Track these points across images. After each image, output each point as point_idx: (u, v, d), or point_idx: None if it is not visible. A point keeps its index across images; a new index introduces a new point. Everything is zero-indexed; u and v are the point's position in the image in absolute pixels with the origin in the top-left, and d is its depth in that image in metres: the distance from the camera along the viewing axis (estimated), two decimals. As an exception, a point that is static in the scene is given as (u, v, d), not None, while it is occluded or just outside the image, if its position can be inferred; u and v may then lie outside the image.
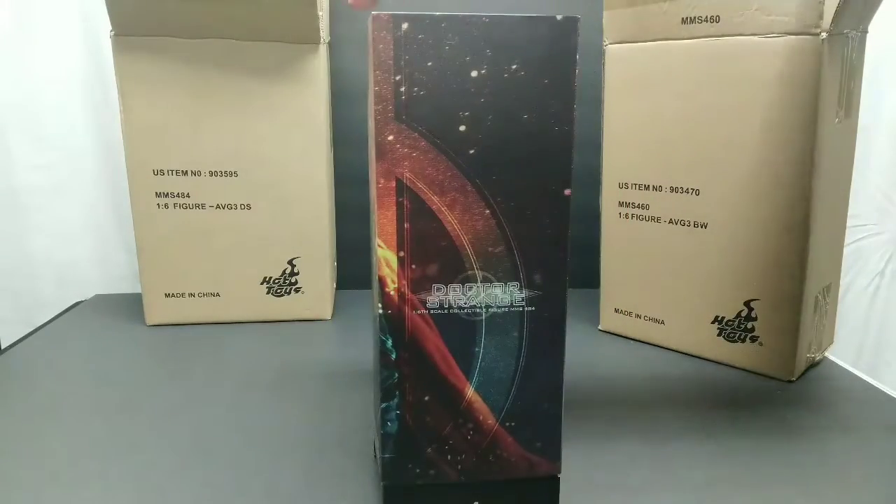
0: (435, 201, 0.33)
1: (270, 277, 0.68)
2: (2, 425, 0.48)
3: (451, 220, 0.33)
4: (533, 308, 0.34)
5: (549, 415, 0.35)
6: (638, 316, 0.64)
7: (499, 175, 0.33)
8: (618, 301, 0.65)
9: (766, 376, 0.56)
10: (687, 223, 0.58)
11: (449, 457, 0.35)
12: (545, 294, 0.34)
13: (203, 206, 0.65)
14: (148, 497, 0.39)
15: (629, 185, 0.62)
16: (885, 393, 0.54)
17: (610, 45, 0.61)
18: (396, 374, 0.34)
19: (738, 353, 0.58)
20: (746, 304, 0.56)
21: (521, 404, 0.35)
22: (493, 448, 0.35)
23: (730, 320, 0.58)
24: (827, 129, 0.51)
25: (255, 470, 0.42)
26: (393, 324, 0.33)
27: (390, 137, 0.32)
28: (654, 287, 0.62)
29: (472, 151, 0.32)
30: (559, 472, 0.36)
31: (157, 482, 0.41)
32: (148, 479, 0.41)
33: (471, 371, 0.34)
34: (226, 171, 0.64)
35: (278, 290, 0.68)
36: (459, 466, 0.35)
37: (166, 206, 0.64)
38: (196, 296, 0.67)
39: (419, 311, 0.33)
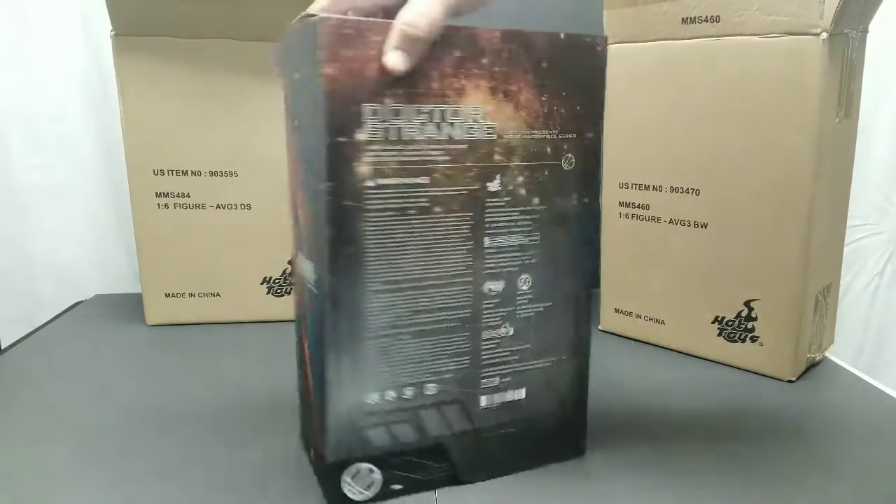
0: (294, 182, 0.40)
1: (270, 277, 0.68)
2: (2, 425, 0.48)
3: (299, 201, 0.39)
4: (318, 292, 0.36)
5: (314, 405, 0.38)
6: (638, 316, 0.64)
7: (307, 168, 0.37)
8: (618, 301, 0.65)
9: (766, 376, 0.56)
10: (687, 223, 0.58)
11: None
12: (320, 280, 0.35)
13: (203, 206, 0.65)
14: (147, 497, 0.39)
15: (629, 185, 0.62)
16: (885, 393, 0.54)
17: (610, 45, 0.61)
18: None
19: (738, 353, 0.58)
20: (746, 304, 0.56)
21: (313, 385, 0.38)
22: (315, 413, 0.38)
23: (730, 320, 0.58)
24: (827, 129, 0.51)
25: (256, 470, 0.42)
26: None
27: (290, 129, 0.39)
28: (654, 287, 0.62)
29: (301, 145, 0.37)
30: (326, 461, 0.36)
31: (156, 482, 0.41)
32: (147, 479, 0.41)
33: (308, 336, 0.39)
34: (226, 171, 0.64)
35: (278, 290, 0.68)
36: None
37: (166, 206, 0.64)
38: (196, 296, 0.67)
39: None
